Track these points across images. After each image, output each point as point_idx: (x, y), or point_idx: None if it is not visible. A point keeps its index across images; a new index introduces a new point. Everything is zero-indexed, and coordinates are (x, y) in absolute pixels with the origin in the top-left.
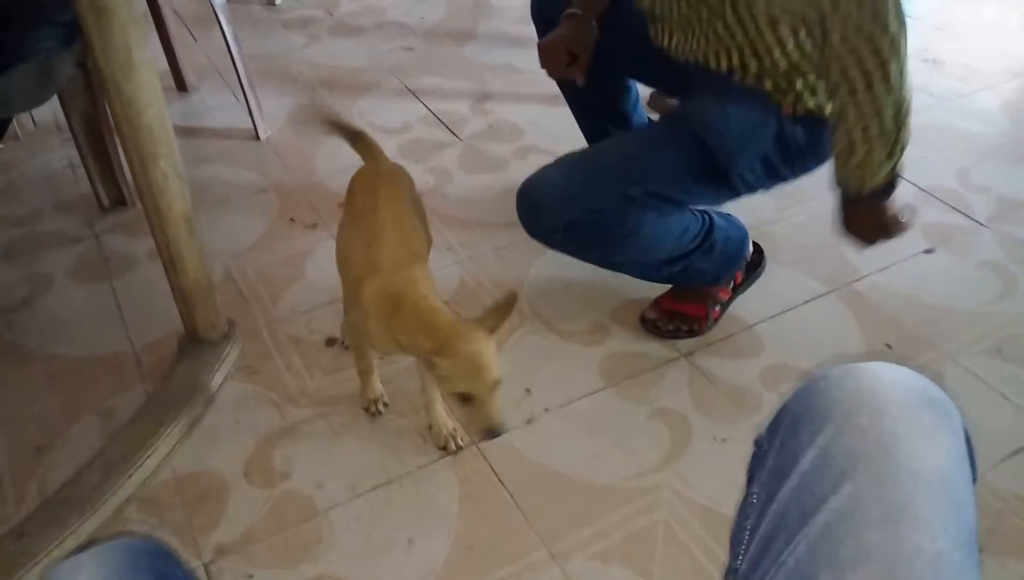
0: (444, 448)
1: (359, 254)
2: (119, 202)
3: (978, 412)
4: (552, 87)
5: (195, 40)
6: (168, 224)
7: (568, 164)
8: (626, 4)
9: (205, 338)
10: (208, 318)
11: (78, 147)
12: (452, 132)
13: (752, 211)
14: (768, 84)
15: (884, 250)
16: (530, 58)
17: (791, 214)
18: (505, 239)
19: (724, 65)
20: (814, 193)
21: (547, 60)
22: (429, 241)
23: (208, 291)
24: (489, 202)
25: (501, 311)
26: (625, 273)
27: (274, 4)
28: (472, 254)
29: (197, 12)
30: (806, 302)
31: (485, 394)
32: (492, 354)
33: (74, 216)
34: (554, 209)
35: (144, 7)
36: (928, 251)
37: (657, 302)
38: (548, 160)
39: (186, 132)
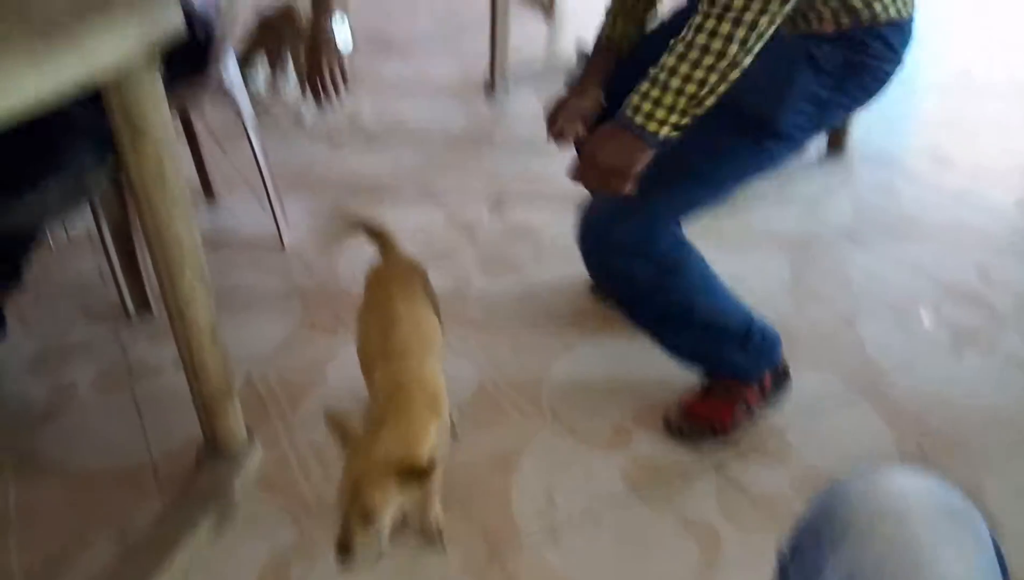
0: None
1: (375, 345)
2: (145, 310)
3: (1017, 517)
4: (569, 189)
5: (224, 153)
6: (192, 332)
7: None
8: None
9: (224, 447)
10: (228, 427)
11: (107, 257)
12: (470, 234)
13: (771, 308)
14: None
15: (909, 351)
16: (546, 162)
17: (811, 314)
18: (524, 341)
19: None
20: (833, 292)
21: (550, 129)
22: (441, 331)
23: (229, 399)
24: (508, 304)
25: (419, 478)
26: (663, 342)
27: (301, 116)
28: (490, 356)
29: (227, 126)
30: (833, 403)
31: (350, 519)
32: (374, 494)
33: (101, 325)
34: (603, 226)
35: (177, 122)
36: (953, 350)
37: (681, 405)
38: (566, 261)
39: (213, 240)
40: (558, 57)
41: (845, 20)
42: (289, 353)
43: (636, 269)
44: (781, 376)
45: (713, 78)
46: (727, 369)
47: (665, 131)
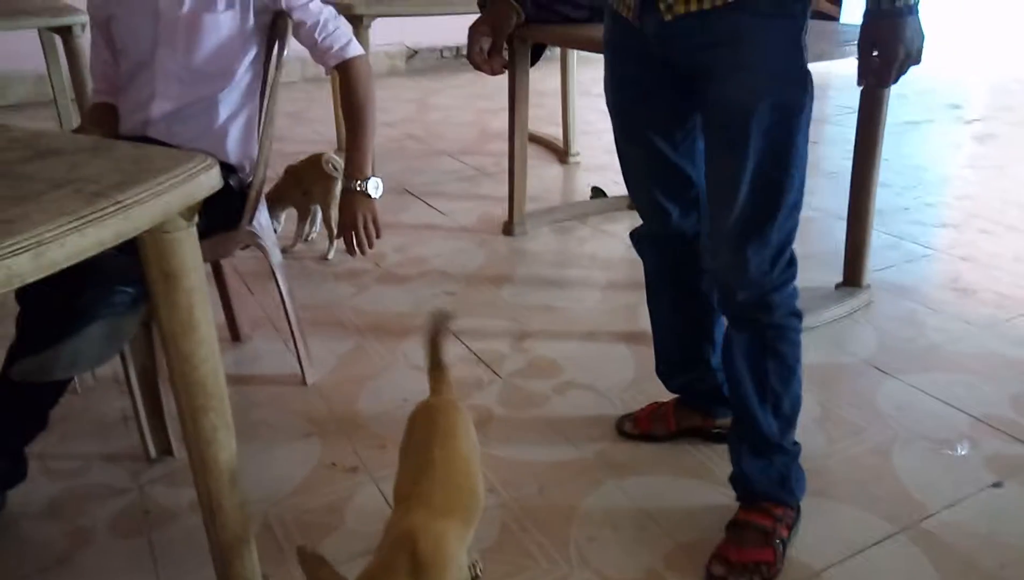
0: None
1: (401, 487)
2: (166, 453)
3: None
4: (588, 324)
5: (252, 294)
6: (212, 475)
7: (718, 241)
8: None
9: None
10: (243, 574)
11: (132, 399)
12: (492, 370)
13: (803, 445)
14: None
15: (949, 485)
16: (565, 298)
17: (844, 447)
18: (549, 478)
19: None
20: (865, 425)
21: (470, 54)
22: (482, 493)
23: (245, 545)
24: (531, 439)
25: None
26: (759, 418)
27: (327, 259)
28: (515, 495)
29: (255, 269)
30: (875, 544)
31: None
32: None
33: (121, 467)
34: (760, 271)
35: (208, 268)
36: (996, 485)
37: (722, 555)
38: (588, 395)
39: (236, 378)
40: (573, 198)
41: None
42: (308, 494)
43: (784, 302)
44: (799, 511)
45: None
46: (777, 482)
47: None
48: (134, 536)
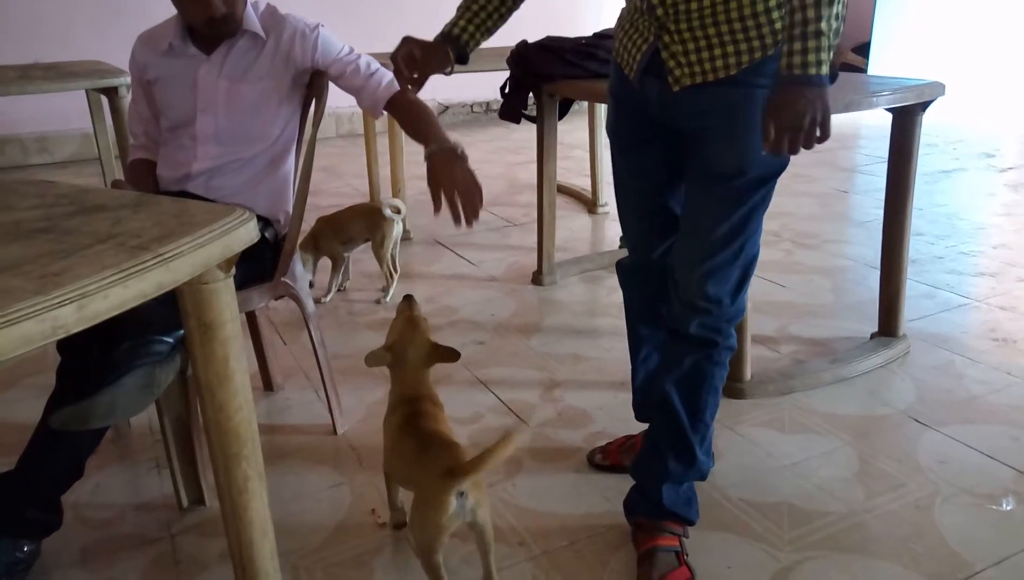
0: None
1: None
2: (198, 502)
3: None
4: (618, 373)
5: (284, 343)
6: (243, 525)
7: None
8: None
9: None
10: None
11: (166, 448)
12: (522, 420)
13: (841, 497)
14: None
15: (995, 542)
16: (595, 347)
17: (884, 501)
18: (581, 531)
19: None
20: (905, 479)
21: (399, 56)
22: None
23: None
24: (562, 491)
25: None
26: (700, 432)
27: (382, 302)
28: (545, 549)
29: (288, 318)
30: None
31: None
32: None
33: (153, 517)
34: (718, 320)
35: (242, 318)
36: None
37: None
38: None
39: (269, 429)
40: (602, 248)
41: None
42: (337, 545)
43: (731, 334)
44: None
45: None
46: (685, 502)
47: (827, 69)
48: None
